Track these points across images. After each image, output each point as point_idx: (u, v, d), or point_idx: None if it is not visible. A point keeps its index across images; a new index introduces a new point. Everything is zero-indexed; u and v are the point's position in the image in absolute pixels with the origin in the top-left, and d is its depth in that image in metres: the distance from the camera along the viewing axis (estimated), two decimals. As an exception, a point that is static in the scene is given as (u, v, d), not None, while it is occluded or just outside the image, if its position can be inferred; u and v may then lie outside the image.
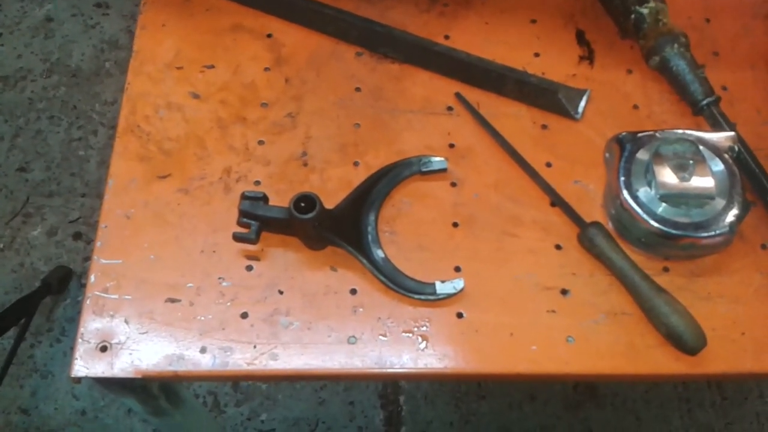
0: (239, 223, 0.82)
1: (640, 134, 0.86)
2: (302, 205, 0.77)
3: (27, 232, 1.87)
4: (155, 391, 0.87)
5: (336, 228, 0.81)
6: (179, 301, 0.80)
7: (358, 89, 0.96)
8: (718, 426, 1.67)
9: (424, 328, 0.80)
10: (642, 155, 0.83)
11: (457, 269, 0.84)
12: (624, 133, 0.86)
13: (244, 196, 0.81)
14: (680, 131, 0.86)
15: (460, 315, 0.81)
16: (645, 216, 0.81)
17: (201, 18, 1.01)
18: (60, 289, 1.73)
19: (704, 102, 0.91)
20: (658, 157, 0.82)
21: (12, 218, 1.88)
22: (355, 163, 0.91)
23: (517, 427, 1.66)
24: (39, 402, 1.67)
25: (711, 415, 1.68)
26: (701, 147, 0.83)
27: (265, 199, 0.81)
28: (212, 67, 0.98)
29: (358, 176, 0.89)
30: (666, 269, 0.85)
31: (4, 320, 1.53)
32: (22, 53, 2.14)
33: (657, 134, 0.85)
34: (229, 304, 0.80)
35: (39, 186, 1.94)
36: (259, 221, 0.81)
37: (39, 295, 1.65)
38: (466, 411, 1.66)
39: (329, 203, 0.85)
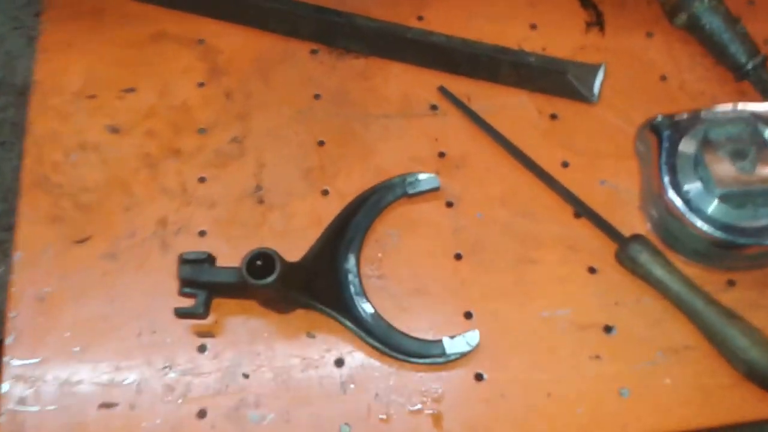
0: (181, 294, 0.65)
1: (679, 117, 0.69)
2: (258, 263, 0.60)
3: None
4: None
5: (307, 284, 0.65)
6: (116, 405, 0.64)
7: (317, 96, 0.80)
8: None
9: (436, 403, 0.63)
10: (687, 145, 0.67)
11: (468, 315, 0.67)
12: (659, 118, 0.69)
13: (182, 260, 0.64)
14: (730, 107, 0.70)
15: (479, 377, 0.65)
16: (701, 223, 0.65)
17: (115, 30, 0.85)
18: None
19: (749, 65, 0.76)
20: (708, 144, 0.66)
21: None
22: (324, 192, 0.74)
23: None
24: None
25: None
26: (760, 125, 0.66)
27: (210, 260, 0.65)
28: (132, 90, 0.81)
29: (329, 208, 0.73)
30: (731, 283, 0.69)
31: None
32: (-40, 76, 1.98)
33: (701, 115, 0.69)
34: (180, 401, 0.64)
35: (-2, 219, 1.76)
36: (206, 289, 0.64)
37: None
38: None
39: (295, 249, 0.69)
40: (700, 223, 0.66)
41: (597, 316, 0.68)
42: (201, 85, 0.83)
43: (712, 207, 0.65)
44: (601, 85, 0.80)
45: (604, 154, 0.77)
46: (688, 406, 0.65)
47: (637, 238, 0.68)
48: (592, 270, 0.71)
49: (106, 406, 0.65)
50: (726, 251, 0.67)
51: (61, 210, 0.75)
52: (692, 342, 0.67)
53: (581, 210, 0.72)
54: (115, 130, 0.79)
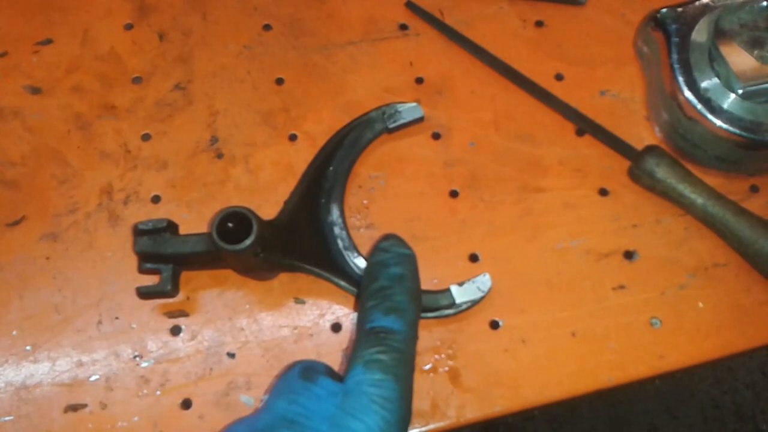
0: (142, 271, 0.58)
1: (683, 7, 0.64)
2: (230, 226, 0.53)
3: None
4: None
5: (288, 244, 0.58)
6: (85, 406, 0.57)
7: (267, 27, 0.72)
8: None
9: (451, 359, 0.58)
10: (699, 37, 0.61)
11: (474, 258, 0.62)
12: (663, 10, 0.64)
13: (138, 231, 0.57)
14: None
15: (494, 325, 0.60)
16: (723, 124, 0.60)
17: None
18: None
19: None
20: (721, 35, 0.61)
21: None
22: (291, 137, 0.67)
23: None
24: None
25: None
26: (776, 6, 0.61)
27: (171, 228, 0.57)
28: (49, 41, 0.72)
29: (300, 155, 0.66)
30: (754, 189, 0.66)
31: None
32: None
33: (709, 1, 0.63)
34: (159, 392, 0.57)
35: None
36: (171, 262, 0.57)
37: None
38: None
39: (267, 205, 0.63)
40: (721, 123, 0.61)
41: (615, 242, 0.64)
42: (128, 27, 0.74)
43: (734, 104, 0.61)
44: (589, -17, 0.74)
45: (601, 61, 0.72)
46: (725, 329, 0.61)
47: (652, 149, 0.63)
48: (603, 192, 0.66)
49: (73, 408, 0.59)
50: (750, 153, 0.62)
51: (-16, 190, 0.66)
52: (723, 259, 0.63)
53: (585, 126, 0.67)
54: (35, 90, 0.71)
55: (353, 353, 0.47)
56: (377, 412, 0.43)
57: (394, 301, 0.48)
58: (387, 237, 0.53)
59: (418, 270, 0.52)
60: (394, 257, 0.51)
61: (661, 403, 1.57)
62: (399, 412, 0.44)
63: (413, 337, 0.48)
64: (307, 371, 0.47)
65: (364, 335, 0.47)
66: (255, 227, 0.54)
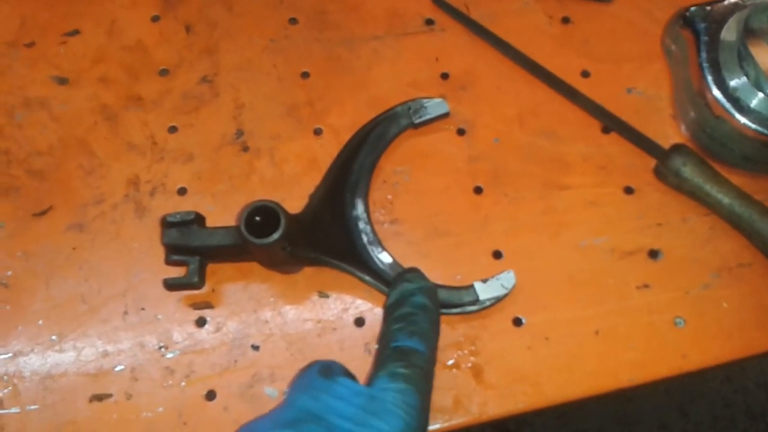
0: (169, 263, 0.59)
1: (712, 5, 0.63)
2: (257, 220, 0.54)
3: None
4: None
5: (313, 238, 0.59)
6: (110, 396, 0.58)
7: (293, 21, 0.72)
8: None
9: (474, 355, 0.58)
10: (729, 36, 0.61)
11: (497, 255, 0.62)
12: (692, 8, 0.64)
13: (167, 224, 0.57)
14: None
15: (518, 322, 0.60)
16: (751, 123, 0.60)
17: (43, -37, 0.74)
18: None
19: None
20: (751, 34, 0.60)
21: None
22: (317, 131, 0.67)
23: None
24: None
25: None
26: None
27: (199, 220, 0.58)
28: (76, 32, 0.73)
29: (325, 149, 0.66)
30: (781, 189, 0.65)
31: None
32: None
33: (738, 0, 0.63)
34: (183, 383, 0.58)
35: None
36: (198, 254, 0.58)
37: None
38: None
39: (292, 199, 0.64)
40: (749, 123, 0.61)
41: (640, 240, 0.64)
42: (155, 18, 0.74)
43: (762, 103, 0.61)
44: (616, -21, 0.73)
45: (628, 59, 0.71)
46: (750, 329, 0.61)
47: (678, 148, 0.63)
48: (628, 190, 0.66)
49: (98, 398, 0.59)
50: (778, 153, 0.62)
51: (12, 179, 0.67)
52: (747, 259, 0.63)
53: (611, 123, 0.67)
54: (62, 80, 0.71)
55: (378, 366, 0.49)
56: (401, 416, 0.46)
57: (418, 326, 0.52)
58: (410, 270, 0.57)
59: (439, 302, 0.56)
60: (418, 288, 0.55)
61: (672, 401, 1.57)
62: (419, 419, 0.47)
63: (433, 360, 0.52)
64: (327, 370, 0.48)
65: (390, 352, 0.50)
66: (283, 221, 0.54)
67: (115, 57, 0.73)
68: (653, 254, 0.64)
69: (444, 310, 0.61)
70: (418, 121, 0.67)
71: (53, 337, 0.62)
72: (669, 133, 0.68)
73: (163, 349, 0.61)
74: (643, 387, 0.61)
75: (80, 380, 0.60)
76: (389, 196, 0.66)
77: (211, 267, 0.63)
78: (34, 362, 0.61)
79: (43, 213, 0.66)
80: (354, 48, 0.73)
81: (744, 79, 0.62)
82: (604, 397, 0.59)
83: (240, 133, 0.69)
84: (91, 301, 0.62)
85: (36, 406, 0.59)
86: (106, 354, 0.61)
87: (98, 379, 0.60)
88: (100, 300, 0.62)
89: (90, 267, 0.64)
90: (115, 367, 0.60)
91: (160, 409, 0.59)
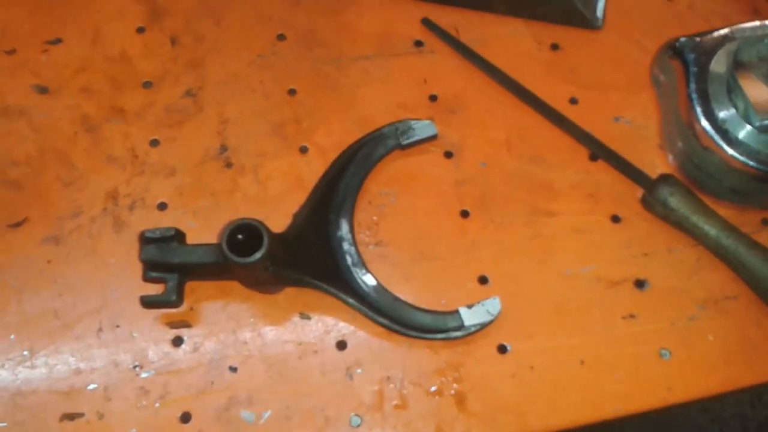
0: (146, 279, 0.57)
1: (702, 37, 0.64)
2: (240, 238, 0.52)
3: None
4: None
5: (295, 258, 0.58)
6: (81, 415, 0.56)
7: (281, 37, 0.71)
8: None
9: (457, 382, 0.57)
10: (718, 68, 0.61)
11: (483, 280, 0.61)
12: (682, 39, 0.64)
13: (145, 239, 0.56)
14: (758, 23, 0.64)
15: (502, 349, 0.59)
16: (739, 155, 0.60)
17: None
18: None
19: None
20: (740, 67, 0.60)
21: None
22: (302, 149, 0.66)
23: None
24: None
25: None
26: (795, 42, 0.61)
27: (179, 237, 0.56)
28: (59, 41, 0.71)
29: (311, 168, 0.65)
30: (766, 222, 0.64)
31: None
32: None
33: (728, 32, 0.63)
34: (158, 404, 0.56)
35: None
36: (177, 271, 0.56)
37: None
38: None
39: (275, 217, 0.62)
40: (737, 155, 0.61)
41: (626, 270, 0.63)
42: (140, 30, 0.73)
43: (751, 136, 0.61)
44: (605, 6, 0.74)
45: (616, 87, 0.72)
46: (734, 362, 0.61)
47: (666, 178, 0.63)
48: (615, 219, 0.65)
49: (69, 417, 0.57)
50: (764, 185, 0.63)
51: (-14, 189, 0.65)
52: (733, 291, 0.63)
53: (598, 151, 0.66)
54: (43, 89, 0.69)
55: None
56: None
57: None
58: None
59: None
60: None
61: (647, 428, 1.56)
62: None
63: None
64: None
65: None
66: (266, 240, 0.53)
67: (98, 67, 0.71)
68: (639, 284, 0.63)
69: (428, 336, 0.59)
70: (405, 142, 0.66)
71: (24, 353, 0.60)
72: (656, 162, 0.68)
73: (137, 369, 0.59)
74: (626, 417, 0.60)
75: (51, 398, 0.58)
76: (375, 218, 0.65)
77: (190, 285, 0.61)
78: (4, 378, 0.59)
79: (18, 224, 0.64)
80: (342, 67, 0.72)
81: (733, 110, 0.62)
82: (588, 429, 0.58)
83: (224, 148, 0.67)
84: (65, 317, 0.60)
85: (5, 424, 0.57)
86: (78, 372, 0.59)
87: (70, 397, 0.58)
88: (74, 316, 0.61)
89: (65, 281, 0.62)
90: (88, 385, 0.58)
91: (133, 431, 0.57)
